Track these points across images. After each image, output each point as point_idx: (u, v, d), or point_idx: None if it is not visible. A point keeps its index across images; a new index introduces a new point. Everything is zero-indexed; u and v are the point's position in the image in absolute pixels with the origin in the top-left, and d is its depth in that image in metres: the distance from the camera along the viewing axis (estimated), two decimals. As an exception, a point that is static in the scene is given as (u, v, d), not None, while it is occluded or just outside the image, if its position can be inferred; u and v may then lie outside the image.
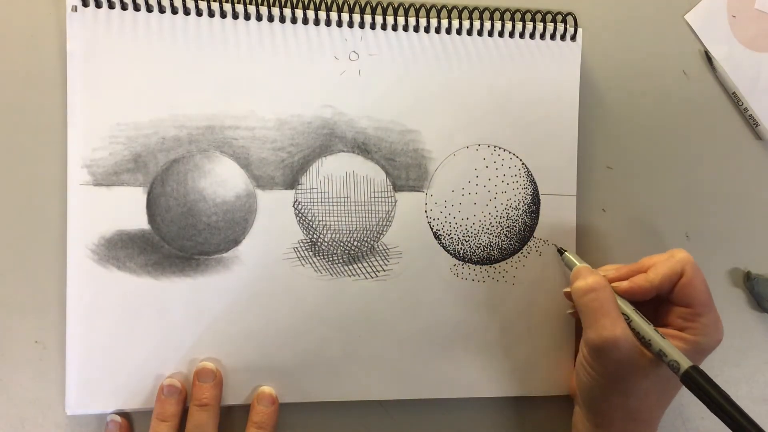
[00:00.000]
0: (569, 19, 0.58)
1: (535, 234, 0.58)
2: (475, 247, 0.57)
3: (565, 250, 0.57)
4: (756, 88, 0.63)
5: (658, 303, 0.53)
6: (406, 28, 0.55)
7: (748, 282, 0.62)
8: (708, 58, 0.62)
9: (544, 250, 0.58)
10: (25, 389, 0.53)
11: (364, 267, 0.55)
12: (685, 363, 0.47)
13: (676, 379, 0.47)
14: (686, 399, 0.62)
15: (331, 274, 0.55)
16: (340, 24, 0.54)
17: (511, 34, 0.57)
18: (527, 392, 0.58)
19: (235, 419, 0.55)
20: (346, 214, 0.55)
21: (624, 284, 0.52)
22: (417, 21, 0.55)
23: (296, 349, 0.54)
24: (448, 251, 0.57)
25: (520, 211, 0.58)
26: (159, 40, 0.52)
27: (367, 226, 0.55)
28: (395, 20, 0.55)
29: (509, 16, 0.57)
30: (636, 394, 0.50)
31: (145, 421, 0.53)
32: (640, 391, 0.50)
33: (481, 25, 0.56)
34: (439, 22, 0.55)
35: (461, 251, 0.57)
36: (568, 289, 0.55)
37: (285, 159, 0.54)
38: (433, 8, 0.55)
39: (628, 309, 0.51)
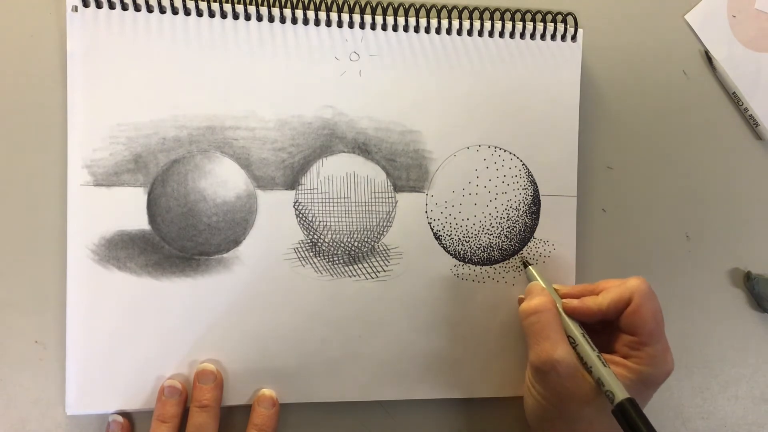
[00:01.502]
0: (569, 19, 0.58)
1: (535, 234, 0.58)
2: (475, 248, 0.57)
3: (530, 264, 0.57)
4: (756, 88, 0.63)
5: (609, 328, 0.52)
6: (406, 29, 0.55)
7: (748, 282, 0.63)
8: (708, 58, 0.62)
9: (545, 251, 0.58)
10: (25, 389, 0.53)
11: (364, 267, 0.55)
12: (621, 394, 0.46)
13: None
14: (686, 399, 0.62)
15: (331, 275, 0.55)
16: (340, 24, 0.54)
17: (512, 35, 0.57)
18: (527, 392, 0.58)
19: (235, 420, 0.55)
20: (347, 215, 0.55)
21: (574, 303, 0.52)
22: (417, 21, 0.55)
23: (296, 349, 0.54)
24: (448, 252, 0.57)
25: (521, 212, 0.58)
26: (159, 40, 0.52)
27: (368, 227, 0.55)
28: (395, 21, 0.55)
29: (509, 16, 0.57)
30: (580, 421, 0.49)
31: (146, 422, 0.53)
32: (583, 419, 0.49)
33: (482, 25, 0.56)
34: (439, 23, 0.55)
35: (461, 252, 0.57)
36: (522, 296, 0.57)
37: (285, 159, 0.54)
38: (434, 8, 0.55)
39: (577, 332, 0.51)
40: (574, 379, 0.48)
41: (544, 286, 0.54)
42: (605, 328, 0.52)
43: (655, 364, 0.49)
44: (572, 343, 0.50)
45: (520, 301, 0.56)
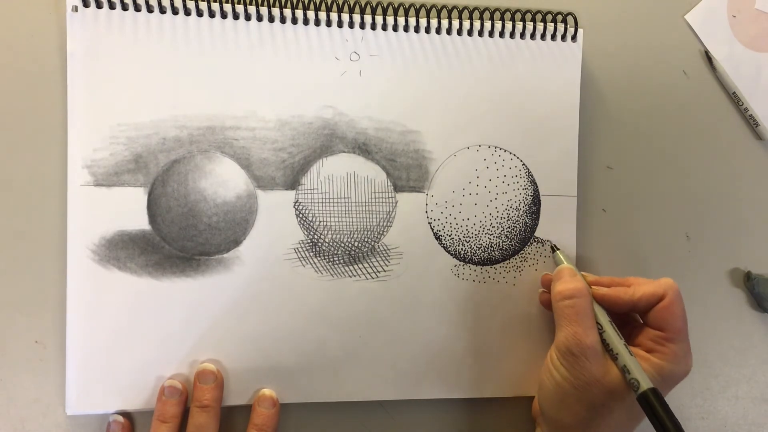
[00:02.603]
0: (570, 19, 0.58)
1: (535, 234, 0.58)
2: (475, 248, 0.57)
3: (558, 249, 0.57)
4: (756, 88, 0.63)
5: (633, 322, 0.53)
6: (406, 29, 0.55)
7: (749, 282, 0.63)
8: (708, 58, 0.62)
9: (545, 251, 0.58)
10: (25, 389, 0.53)
11: (364, 267, 0.55)
12: (645, 384, 0.47)
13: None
14: (686, 399, 0.62)
15: (331, 275, 0.55)
16: (340, 24, 0.54)
17: (512, 35, 0.57)
18: (527, 393, 0.58)
19: (236, 420, 0.55)
20: (347, 215, 0.55)
21: (603, 290, 0.52)
22: (417, 21, 0.55)
23: (297, 349, 0.54)
24: (448, 252, 0.57)
25: (521, 212, 0.58)
26: (159, 40, 0.52)
27: (368, 227, 0.55)
28: (396, 21, 0.55)
29: (510, 16, 0.57)
30: (600, 407, 0.49)
31: (146, 422, 0.53)
32: (604, 405, 0.49)
33: (482, 25, 0.56)
34: (439, 23, 0.55)
35: (462, 252, 0.57)
36: (543, 290, 0.57)
37: (286, 159, 0.54)
38: (434, 8, 0.55)
39: (604, 319, 0.51)
40: (601, 366, 0.49)
41: (574, 270, 0.54)
42: (625, 322, 0.53)
43: (677, 362, 0.50)
44: (599, 329, 0.51)
45: (544, 280, 0.57)
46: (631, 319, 0.54)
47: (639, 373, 0.48)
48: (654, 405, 0.46)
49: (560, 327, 0.51)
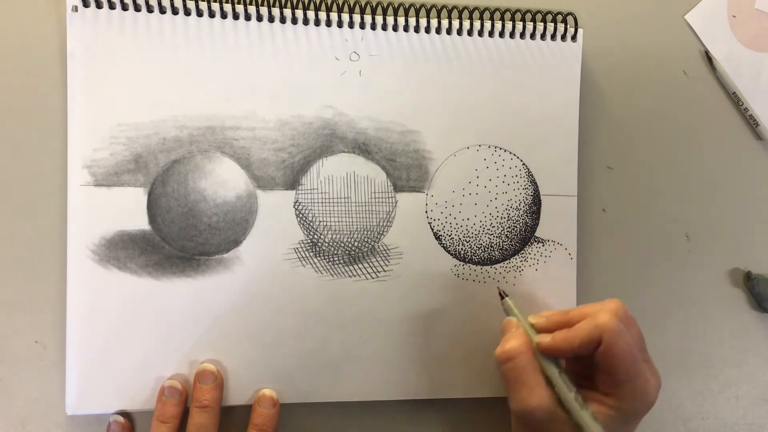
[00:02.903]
0: (569, 19, 0.58)
1: (536, 234, 0.58)
2: (475, 248, 0.57)
3: (506, 295, 0.54)
4: (756, 88, 0.63)
5: (591, 360, 0.49)
6: (406, 29, 0.55)
7: (748, 282, 0.63)
8: (708, 58, 0.62)
9: (546, 251, 0.58)
10: (25, 389, 0.53)
11: (364, 267, 0.55)
12: None
13: None
14: (686, 399, 0.62)
15: (331, 275, 0.55)
16: (340, 24, 0.54)
17: (512, 35, 0.57)
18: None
19: (236, 420, 0.55)
20: (347, 215, 0.55)
21: (546, 341, 0.49)
22: (417, 21, 0.55)
23: (297, 349, 0.54)
24: (448, 252, 0.57)
25: (521, 212, 0.58)
26: (159, 40, 0.52)
27: (368, 227, 0.55)
28: (396, 21, 0.55)
29: (509, 16, 0.57)
30: None
31: (146, 422, 0.53)
32: None
33: (482, 25, 0.56)
34: (439, 23, 0.55)
35: (462, 252, 0.57)
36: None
37: (286, 159, 0.54)
38: (434, 8, 0.55)
39: (553, 373, 0.48)
40: (554, 422, 0.47)
41: (518, 321, 0.51)
42: (588, 359, 0.49)
43: (636, 399, 0.47)
44: (549, 383, 0.48)
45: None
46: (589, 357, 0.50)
47: (593, 428, 0.46)
48: None
49: (508, 393, 0.49)
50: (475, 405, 0.58)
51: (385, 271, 0.56)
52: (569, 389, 0.48)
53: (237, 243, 0.53)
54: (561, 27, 0.57)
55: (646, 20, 0.61)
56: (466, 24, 0.56)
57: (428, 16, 0.55)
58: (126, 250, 0.52)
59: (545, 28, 0.57)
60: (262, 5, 0.53)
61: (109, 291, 0.52)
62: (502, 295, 0.54)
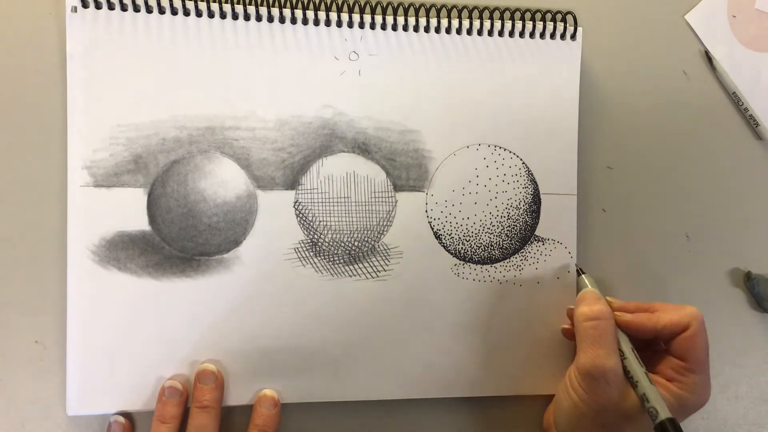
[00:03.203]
0: (569, 18, 0.58)
1: (536, 233, 0.58)
2: (475, 247, 0.57)
3: (584, 273, 0.57)
4: (756, 88, 0.63)
5: (655, 347, 0.53)
6: (406, 28, 0.55)
7: (749, 282, 0.62)
8: (708, 58, 0.62)
9: (545, 250, 0.58)
10: (25, 389, 0.53)
11: (364, 267, 0.55)
12: (664, 413, 0.47)
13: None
14: (687, 399, 0.62)
15: (331, 275, 0.55)
16: (340, 24, 0.54)
17: (511, 34, 0.57)
18: (527, 391, 0.58)
19: (236, 420, 0.55)
20: (347, 215, 0.55)
21: (627, 316, 0.52)
22: (417, 21, 0.55)
23: (297, 349, 0.54)
24: (448, 251, 0.57)
25: (521, 211, 0.58)
26: (159, 41, 0.52)
27: (368, 227, 0.55)
28: (395, 20, 0.55)
29: (509, 15, 0.57)
30: (612, 431, 0.50)
31: (146, 422, 0.53)
32: (616, 429, 0.50)
33: (481, 24, 0.56)
34: (438, 22, 0.55)
35: (462, 251, 0.57)
36: (566, 326, 0.57)
37: (285, 159, 0.54)
38: (433, 8, 0.55)
39: (626, 346, 0.51)
40: (620, 390, 0.49)
41: (600, 295, 0.54)
42: (648, 347, 0.53)
43: (696, 393, 0.50)
44: (621, 356, 0.51)
45: (569, 312, 0.57)
46: (653, 344, 0.54)
47: (658, 402, 0.48)
48: None
49: (582, 348, 0.51)
50: (476, 404, 0.58)
51: (385, 270, 0.56)
52: (640, 363, 0.50)
53: (237, 243, 0.53)
54: (560, 26, 0.58)
55: (646, 20, 0.61)
56: (466, 23, 0.56)
57: (427, 16, 0.55)
58: (126, 251, 0.52)
59: (545, 27, 0.57)
60: (262, 5, 0.53)
61: (110, 291, 0.52)
62: (580, 272, 0.57)
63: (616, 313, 0.53)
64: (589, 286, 0.56)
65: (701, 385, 0.50)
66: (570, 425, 0.52)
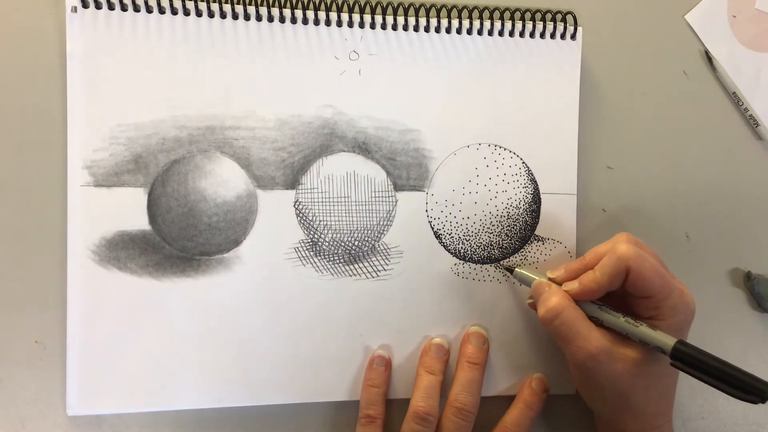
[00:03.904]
0: (569, 18, 0.58)
1: (536, 233, 0.58)
2: (475, 246, 0.57)
3: (514, 267, 0.57)
4: (756, 88, 0.63)
5: (621, 293, 0.52)
6: (406, 28, 0.55)
7: (749, 282, 0.62)
8: (708, 58, 0.62)
9: (545, 249, 0.58)
10: (25, 389, 0.52)
11: (365, 267, 0.55)
12: (670, 341, 0.47)
13: (668, 362, 0.47)
14: (687, 399, 0.62)
15: (332, 274, 0.55)
16: (340, 24, 0.54)
17: (511, 33, 0.57)
18: (528, 392, 0.58)
19: (238, 420, 0.55)
20: (347, 214, 0.55)
21: (574, 287, 0.51)
22: (417, 21, 0.55)
23: (297, 348, 0.54)
24: (448, 250, 0.57)
25: (521, 210, 0.58)
26: (159, 41, 0.52)
27: (368, 226, 0.55)
28: (395, 20, 0.55)
29: (509, 15, 0.57)
30: (636, 393, 0.50)
31: (147, 423, 0.53)
32: (639, 389, 0.50)
33: (481, 24, 0.56)
34: (438, 22, 0.55)
35: (462, 250, 0.57)
36: (530, 300, 0.56)
37: (285, 159, 0.54)
38: (433, 8, 0.55)
39: (597, 311, 0.51)
40: (615, 361, 0.49)
41: (546, 281, 0.53)
42: (615, 295, 0.52)
43: (678, 311, 0.50)
44: (597, 322, 0.50)
45: (531, 306, 0.56)
46: (617, 293, 0.53)
47: (658, 336, 0.47)
48: (690, 354, 0.46)
49: (563, 347, 0.51)
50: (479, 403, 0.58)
51: (385, 270, 0.56)
52: (617, 316, 0.50)
53: (237, 243, 0.53)
54: (560, 26, 0.58)
55: (646, 20, 0.61)
56: (466, 23, 0.56)
57: (427, 15, 0.55)
58: (126, 251, 0.52)
59: (545, 26, 0.57)
60: (262, 5, 0.53)
61: (110, 291, 0.52)
62: (511, 269, 0.56)
63: (565, 287, 0.51)
64: (528, 279, 0.54)
65: (679, 303, 0.50)
66: (596, 408, 0.54)
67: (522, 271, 0.56)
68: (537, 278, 0.54)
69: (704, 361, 0.45)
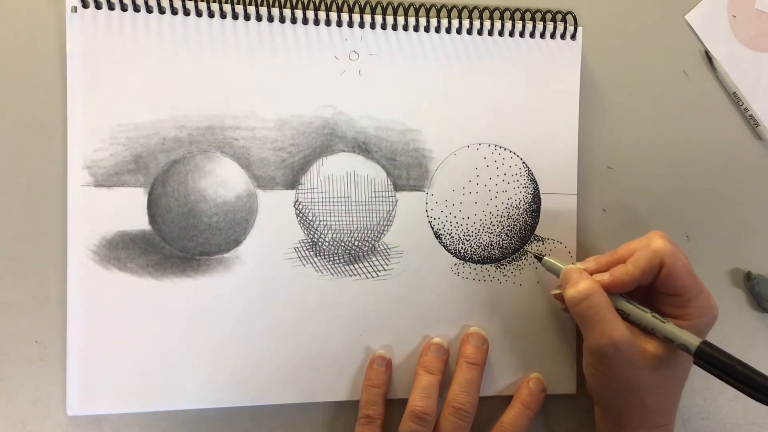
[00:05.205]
0: (569, 18, 0.58)
1: (536, 232, 0.58)
2: (475, 246, 0.57)
3: (543, 256, 0.56)
4: (756, 88, 0.63)
5: (648, 291, 0.52)
6: (406, 28, 0.55)
7: (749, 282, 0.62)
8: (708, 58, 0.62)
9: (545, 249, 0.58)
10: (25, 389, 0.52)
11: (365, 267, 0.55)
12: (695, 340, 0.47)
13: (685, 363, 0.47)
14: (687, 399, 0.62)
15: (332, 274, 0.55)
16: (340, 24, 0.54)
17: (512, 34, 0.57)
18: (528, 392, 0.58)
19: (238, 420, 0.55)
20: (347, 214, 0.55)
21: (605, 278, 0.51)
22: (417, 21, 0.55)
23: (297, 349, 0.54)
24: (448, 250, 0.57)
25: (521, 210, 0.58)
26: (159, 41, 0.52)
27: (368, 226, 0.55)
28: (395, 20, 0.55)
29: (509, 15, 0.57)
30: (648, 388, 0.50)
31: (147, 423, 0.53)
32: (652, 385, 0.50)
33: (481, 24, 0.56)
34: (439, 22, 0.55)
35: (462, 250, 0.57)
36: (556, 291, 0.56)
37: (285, 159, 0.54)
38: (433, 8, 0.55)
39: (624, 304, 0.51)
40: (635, 353, 0.49)
41: (577, 268, 0.53)
42: (641, 291, 0.52)
43: (703, 313, 0.50)
44: (624, 315, 0.50)
45: (557, 296, 0.56)
46: (643, 289, 0.53)
47: (683, 335, 0.47)
48: (713, 355, 0.46)
49: (586, 331, 0.51)
50: (479, 403, 0.58)
51: (385, 270, 0.56)
52: (644, 311, 0.50)
53: (237, 243, 0.53)
54: (560, 26, 0.58)
55: (646, 20, 0.61)
56: (466, 23, 0.56)
57: (428, 16, 0.55)
58: (126, 251, 0.52)
59: (545, 26, 0.57)
60: (262, 5, 0.53)
61: (110, 291, 0.52)
62: (540, 257, 0.56)
63: (596, 278, 0.51)
64: (556, 267, 0.54)
65: (705, 306, 0.50)
66: (606, 399, 0.53)
67: (551, 259, 0.55)
68: (569, 266, 0.54)
69: (728, 364, 0.46)
